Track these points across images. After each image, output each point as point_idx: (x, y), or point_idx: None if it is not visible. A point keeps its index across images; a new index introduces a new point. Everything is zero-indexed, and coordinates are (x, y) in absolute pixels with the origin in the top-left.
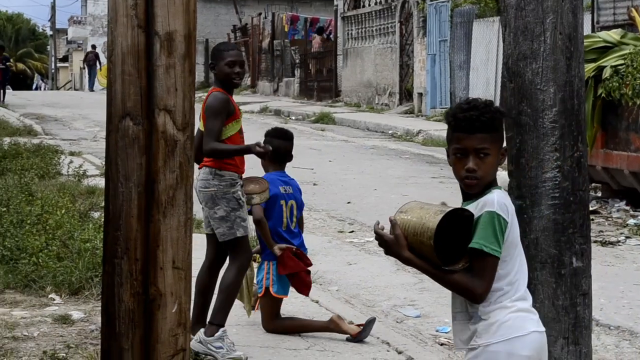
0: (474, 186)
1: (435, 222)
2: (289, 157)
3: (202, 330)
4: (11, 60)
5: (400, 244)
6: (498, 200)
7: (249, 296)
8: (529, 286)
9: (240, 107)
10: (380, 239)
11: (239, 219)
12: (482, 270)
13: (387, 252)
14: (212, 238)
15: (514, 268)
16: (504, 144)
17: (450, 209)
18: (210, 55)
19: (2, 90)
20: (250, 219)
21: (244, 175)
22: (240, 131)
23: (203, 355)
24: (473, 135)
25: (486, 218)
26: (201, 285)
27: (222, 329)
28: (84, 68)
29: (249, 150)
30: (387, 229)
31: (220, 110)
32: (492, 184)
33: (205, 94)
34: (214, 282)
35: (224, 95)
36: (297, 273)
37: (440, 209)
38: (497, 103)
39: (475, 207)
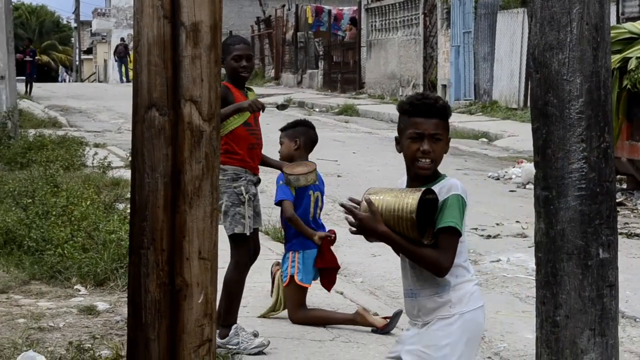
0: (429, 168)
1: (416, 198)
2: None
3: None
4: (38, 53)
5: (377, 219)
6: (461, 186)
7: (277, 297)
8: (555, 277)
9: (264, 99)
10: (354, 215)
11: (238, 215)
12: (450, 246)
13: (359, 230)
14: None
15: (466, 247)
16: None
17: (423, 189)
18: (222, 51)
19: (29, 83)
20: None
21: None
22: (247, 124)
23: (230, 355)
24: (430, 119)
25: (453, 200)
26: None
27: (233, 327)
28: (116, 60)
29: (241, 107)
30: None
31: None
32: (437, 172)
33: None
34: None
35: (223, 86)
36: (328, 268)
37: (411, 189)
38: (521, 94)
39: (438, 190)
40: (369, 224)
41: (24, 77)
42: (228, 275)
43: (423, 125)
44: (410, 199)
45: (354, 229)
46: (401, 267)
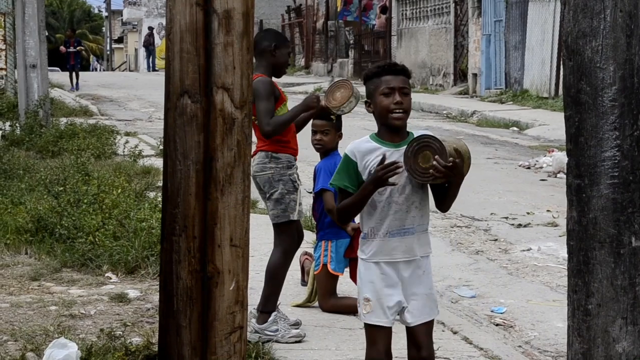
0: (402, 119)
1: (459, 142)
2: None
3: (253, 321)
4: (82, 44)
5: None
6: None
7: (312, 288)
8: (587, 266)
9: (294, 88)
10: (455, 164)
11: (293, 202)
12: None
13: (454, 175)
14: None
15: None
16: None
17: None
18: (273, 38)
19: (75, 75)
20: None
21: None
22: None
23: (261, 343)
24: (397, 76)
25: None
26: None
27: (273, 313)
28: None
29: (307, 106)
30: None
31: (270, 92)
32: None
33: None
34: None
35: (268, 78)
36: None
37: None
38: (553, 83)
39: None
40: (461, 169)
41: (67, 70)
42: (273, 261)
43: (393, 81)
44: (461, 143)
45: (442, 175)
46: (395, 209)
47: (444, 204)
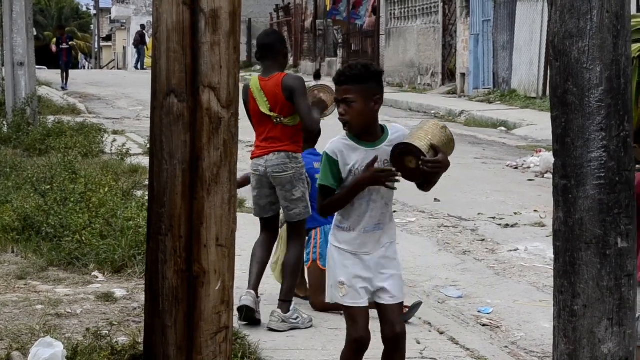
0: (348, 128)
1: (439, 124)
2: (319, 134)
3: (279, 310)
4: (74, 40)
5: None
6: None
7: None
8: (573, 267)
9: None
10: (443, 160)
11: (307, 200)
12: None
13: (444, 169)
14: (270, 221)
15: None
16: (380, 95)
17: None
18: (285, 42)
19: (65, 73)
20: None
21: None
22: None
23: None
24: (341, 87)
25: None
26: (260, 258)
27: (293, 303)
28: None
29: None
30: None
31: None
32: (376, 124)
33: (249, 74)
34: (269, 256)
35: (300, 78)
36: None
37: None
38: (540, 83)
39: (397, 136)
40: (447, 161)
41: (60, 67)
42: (294, 256)
43: (337, 92)
44: (449, 135)
45: (434, 170)
46: (372, 208)
47: (428, 187)
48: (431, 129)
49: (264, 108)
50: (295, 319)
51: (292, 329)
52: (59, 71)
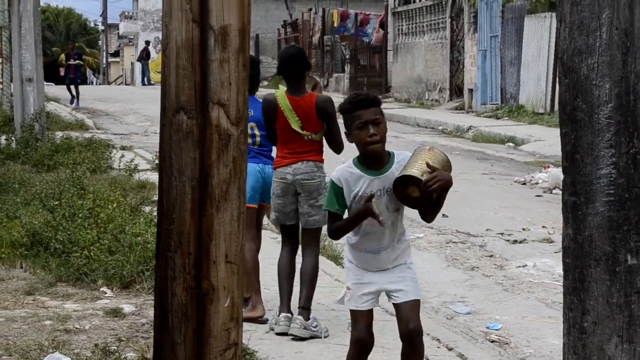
0: (378, 147)
1: (439, 151)
2: (257, 85)
3: (300, 317)
4: (84, 57)
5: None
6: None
7: None
8: (582, 283)
9: None
10: (446, 176)
11: None
12: None
13: (446, 186)
14: (293, 229)
15: None
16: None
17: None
18: (306, 59)
19: (75, 88)
20: None
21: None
22: None
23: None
24: (368, 109)
25: None
26: (288, 274)
27: (311, 312)
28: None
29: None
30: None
31: None
32: (387, 152)
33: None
34: (295, 269)
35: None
36: None
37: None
38: (548, 99)
39: (403, 163)
40: (446, 174)
41: (66, 83)
42: (313, 264)
43: (364, 115)
44: (440, 154)
45: (437, 185)
46: (372, 231)
47: (430, 216)
48: (421, 156)
49: (296, 126)
50: (315, 327)
51: (312, 337)
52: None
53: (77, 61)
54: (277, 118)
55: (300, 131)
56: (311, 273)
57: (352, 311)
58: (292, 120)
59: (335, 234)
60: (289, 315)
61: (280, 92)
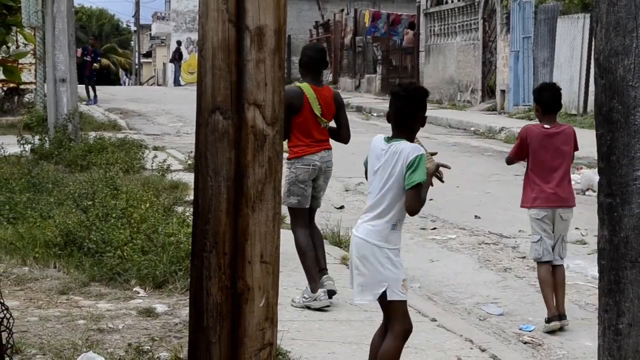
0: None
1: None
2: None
3: (329, 275)
4: (100, 59)
5: None
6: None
7: None
8: (618, 285)
9: None
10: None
11: None
12: None
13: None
14: (308, 211)
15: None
16: None
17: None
18: (326, 63)
19: (92, 88)
20: None
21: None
22: None
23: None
24: None
25: None
26: (311, 249)
27: None
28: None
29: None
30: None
31: None
32: None
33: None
34: None
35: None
36: None
37: None
38: (581, 100)
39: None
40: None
41: (83, 82)
42: (319, 231)
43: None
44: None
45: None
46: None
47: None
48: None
49: (318, 113)
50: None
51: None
52: (99, 87)
53: (94, 64)
54: (301, 108)
55: (321, 118)
56: (322, 238)
57: (402, 303)
58: (315, 108)
59: (423, 203)
60: (325, 290)
61: (304, 84)
